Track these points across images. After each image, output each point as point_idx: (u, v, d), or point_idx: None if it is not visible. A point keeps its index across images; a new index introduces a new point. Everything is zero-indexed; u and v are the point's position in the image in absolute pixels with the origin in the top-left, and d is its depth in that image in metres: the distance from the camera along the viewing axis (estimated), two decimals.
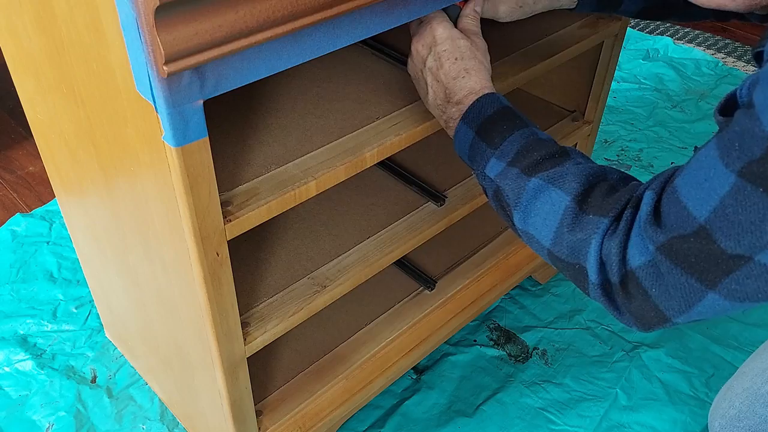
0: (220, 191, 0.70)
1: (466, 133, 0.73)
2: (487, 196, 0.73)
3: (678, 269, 0.55)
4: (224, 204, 0.70)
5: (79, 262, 1.39)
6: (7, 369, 1.22)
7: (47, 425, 1.14)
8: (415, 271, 1.16)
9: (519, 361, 1.24)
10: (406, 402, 1.17)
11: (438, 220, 0.98)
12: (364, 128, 0.82)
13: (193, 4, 0.52)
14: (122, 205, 0.81)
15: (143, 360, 1.16)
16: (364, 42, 0.96)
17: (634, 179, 0.66)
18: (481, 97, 0.72)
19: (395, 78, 0.91)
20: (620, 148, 1.76)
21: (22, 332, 1.29)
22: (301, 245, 0.93)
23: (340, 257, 0.91)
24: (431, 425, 1.14)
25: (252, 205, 0.71)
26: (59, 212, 1.54)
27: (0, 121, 1.85)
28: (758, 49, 0.56)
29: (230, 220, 0.69)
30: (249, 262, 0.90)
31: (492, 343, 1.27)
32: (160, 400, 1.17)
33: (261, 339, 0.82)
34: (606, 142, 1.78)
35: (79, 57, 0.68)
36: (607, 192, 0.63)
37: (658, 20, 0.89)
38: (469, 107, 0.73)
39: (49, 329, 1.30)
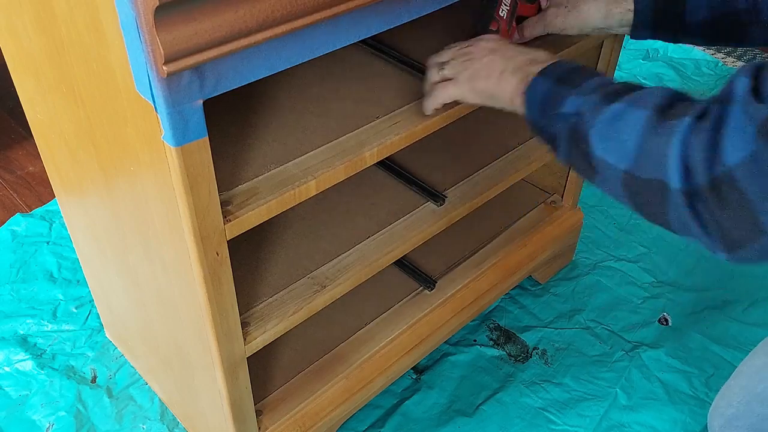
0: (220, 191, 0.70)
1: (543, 83, 0.72)
2: (556, 145, 0.70)
3: None
4: (224, 204, 0.70)
5: (79, 262, 1.39)
6: (7, 369, 1.22)
7: (47, 425, 1.14)
8: (415, 271, 1.16)
9: (519, 360, 1.24)
10: (406, 402, 1.17)
11: (438, 220, 0.98)
12: (364, 128, 0.82)
13: (193, 3, 0.52)
14: (122, 205, 0.81)
15: (143, 360, 1.16)
16: (364, 42, 0.96)
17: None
18: (560, 60, 0.74)
19: (395, 78, 0.91)
20: None
21: (22, 332, 1.29)
22: (301, 245, 0.93)
23: (340, 257, 0.91)
24: (431, 425, 1.14)
25: (252, 204, 0.71)
26: (59, 212, 1.54)
27: (0, 121, 1.85)
28: None
29: (230, 220, 0.69)
30: (249, 262, 0.90)
31: (492, 342, 1.27)
32: (160, 400, 1.17)
33: (261, 339, 0.82)
34: None
35: (79, 57, 0.68)
36: (690, 104, 0.59)
37: (728, 44, 0.89)
38: (550, 65, 0.73)
39: (49, 329, 1.30)
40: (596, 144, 0.64)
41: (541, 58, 0.76)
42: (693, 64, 2.07)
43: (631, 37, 0.91)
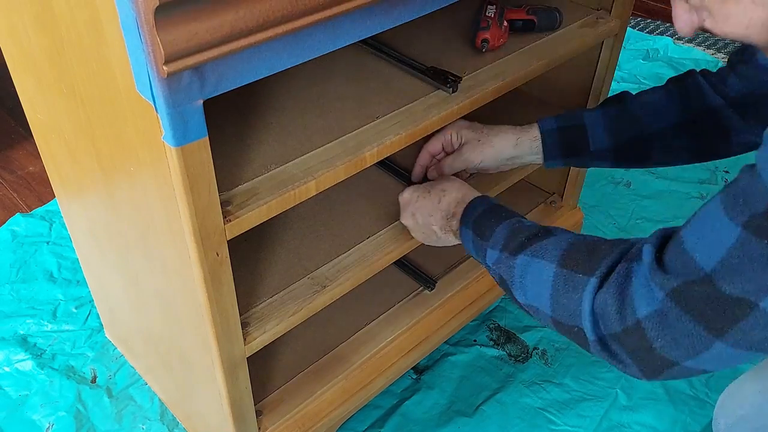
0: (220, 191, 0.70)
1: (467, 234, 0.82)
2: (499, 285, 0.79)
3: (687, 316, 0.56)
4: (224, 204, 0.70)
5: (79, 262, 1.39)
6: (7, 369, 1.22)
7: (47, 425, 1.14)
8: (415, 271, 1.16)
9: (519, 361, 1.24)
10: (406, 402, 1.17)
11: None
12: (364, 127, 0.82)
13: (193, 3, 0.52)
14: (122, 205, 0.81)
15: (143, 360, 1.16)
16: (364, 42, 0.96)
17: (616, 239, 0.68)
18: (470, 202, 0.84)
19: (395, 78, 0.91)
20: None
21: (22, 332, 1.29)
22: (301, 245, 0.93)
23: (339, 257, 0.91)
24: (431, 425, 1.14)
25: (252, 204, 0.71)
26: (59, 212, 1.54)
27: (0, 121, 1.85)
28: None
29: (230, 220, 0.69)
30: (249, 262, 0.90)
31: (492, 343, 1.27)
32: (160, 400, 1.17)
33: (261, 339, 0.82)
34: None
35: (79, 57, 0.68)
36: (588, 250, 0.67)
37: (638, 165, 1.00)
38: (462, 213, 0.84)
39: (49, 329, 1.30)
40: (519, 296, 0.73)
41: (451, 203, 0.86)
42: (693, 64, 2.06)
43: (544, 166, 0.99)
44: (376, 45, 0.95)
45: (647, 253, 0.60)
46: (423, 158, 0.99)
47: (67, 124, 0.82)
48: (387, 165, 1.06)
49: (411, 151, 0.97)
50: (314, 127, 0.82)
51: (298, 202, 0.74)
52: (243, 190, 0.72)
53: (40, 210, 1.56)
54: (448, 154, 0.98)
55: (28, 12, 0.74)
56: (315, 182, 0.74)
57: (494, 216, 0.80)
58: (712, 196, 0.58)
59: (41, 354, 1.25)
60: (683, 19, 0.59)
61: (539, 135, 0.96)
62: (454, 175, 0.96)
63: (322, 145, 0.79)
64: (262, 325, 0.83)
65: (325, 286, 0.87)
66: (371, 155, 0.79)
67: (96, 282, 1.15)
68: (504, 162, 0.97)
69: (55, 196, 1.44)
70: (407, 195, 0.92)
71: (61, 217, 1.52)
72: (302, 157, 0.77)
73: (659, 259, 0.59)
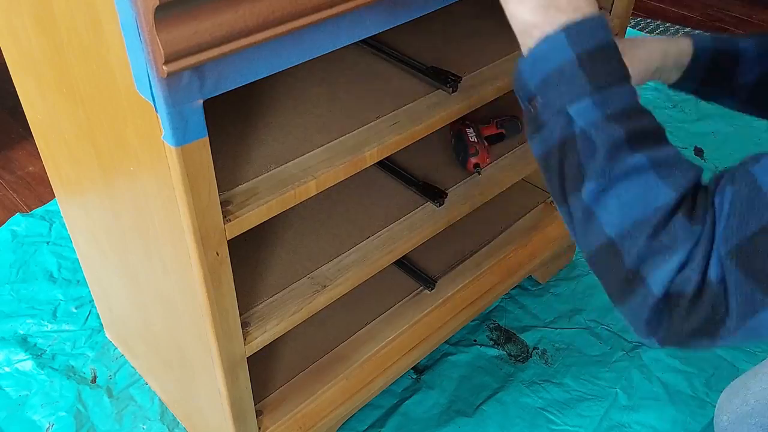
0: (220, 191, 0.70)
1: (562, 51, 0.55)
2: (538, 135, 0.57)
3: (748, 279, 0.49)
4: (224, 203, 0.70)
5: (79, 262, 1.39)
6: (7, 369, 1.22)
7: (47, 425, 1.14)
8: (415, 271, 1.16)
9: (519, 360, 1.24)
10: (406, 402, 1.17)
11: (438, 220, 0.98)
12: (364, 127, 0.82)
13: (193, 3, 0.52)
14: (122, 205, 0.81)
15: (143, 360, 1.16)
16: (364, 42, 0.96)
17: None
18: (597, 16, 0.56)
19: (395, 78, 0.91)
20: None
21: (22, 332, 1.29)
22: (301, 245, 0.93)
23: (339, 257, 0.91)
24: (431, 425, 1.14)
25: (252, 204, 0.71)
26: (59, 212, 1.54)
27: (0, 121, 1.85)
28: None
29: (230, 220, 0.69)
30: (249, 262, 0.90)
31: (492, 342, 1.27)
32: (160, 400, 1.17)
33: (261, 339, 0.82)
34: None
35: (79, 57, 0.68)
36: (704, 204, 0.53)
37: None
38: (579, 20, 0.55)
39: (49, 329, 1.30)
40: (593, 189, 0.54)
41: (581, 5, 0.57)
42: None
43: (673, 88, 0.84)
44: (376, 45, 0.95)
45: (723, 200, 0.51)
46: None
47: (67, 124, 0.82)
48: (387, 165, 1.06)
49: (411, 151, 0.97)
50: (314, 127, 0.82)
51: (298, 202, 0.74)
52: (243, 190, 0.72)
53: (40, 210, 1.56)
54: None
55: (28, 12, 0.74)
56: (315, 182, 0.74)
57: (618, 64, 0.56)
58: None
59: (41, 354, 1.25)
60: None
61: (691, 51, 0.81)
62: None
63: (322, 145, 0.79)
64: (262, 324, 0.83)
65: (325, 286, 0.87)
66: (371, 155, 0.79)
67: (96, 282, 1.15)
68: (648, 75, 0.80)
69: (55, 196, 1.44)
70: None
71: (61, 217, 1.52)
72: (302, 157, 0.77)
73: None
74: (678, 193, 0.52)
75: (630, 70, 0.60)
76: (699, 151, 1.27)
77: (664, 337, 0.54)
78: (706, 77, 0.83)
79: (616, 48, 0.56)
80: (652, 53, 0.79)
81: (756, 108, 0.86)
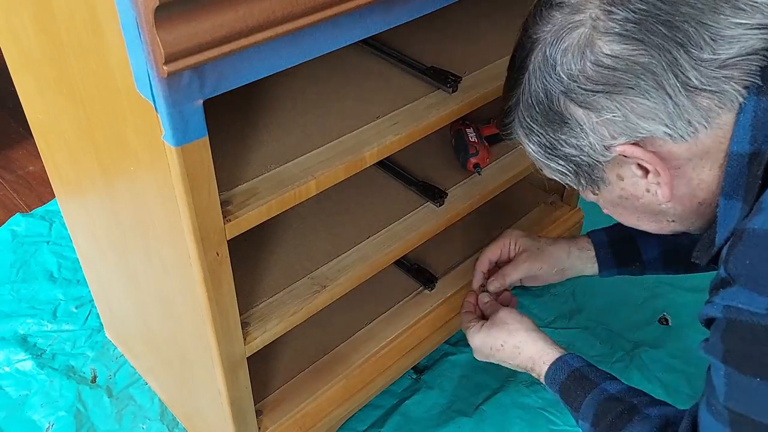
0: (220, 191, 0.70)
1: (554, 392, 0.84)
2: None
3: None
4: (224, 204, 0.70)
5: (79, 262, 1.39)
6: (7, 369, 1.22)
7: (47, 425, 1.14)
8: (415, 271, 1.16)
9: None
10: (406, 402, 1.17)
11: (438, 220, 0.98)
12: (364, 127, 0.82)
13: (193, 3, 0.52)
14: (122, 205, 0.81)
15: (143, 360, 1.16)
16: (364, 42, 0.96)
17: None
18: (550, 366, 0.85)
19: (395, 78, 0.91)
20: None
21: (22, 332, 1.29)
22: (301, 245, 0.93)
23: (339, 257, 0.91)
24: (431, 425, 1.14)
25: (252, 204, 0.71)
26: (59, 212, 1.54)
27: (0, 121, 1.85)
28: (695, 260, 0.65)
29: (230, 220, 0.69)
30: (249, 262, 0.90)
31: None
32: (160, 399, 1.17)
33: (261, 339, 0.82)
34: None
35: (78, 57, 0.68)
36: None
37: (685, 272, 0.95)
38: (545, 374, 0.85)
39: (49, 329, 1.30)
40: None
41: (528, 360, 0.88)
42: None
43: (600, 275, 0.99)
44: (376, 45, 0.95)
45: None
46: (482, 264, 1.02)
47: (67, 124, 0.82)
48: (387, 165, 1.06)
49: (411, 151, 0.97)
50: (314, 126, 0.82)
51: (298, 202, 0.74)
52: (243, 190, 0.72)
53: (40, 210, 1.56)
54: (502, 263, 1.02)
55: (28, 12, 0.74)
56: (315, 182, 0.74)
57: (579, 387, 0.81)
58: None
59: (41, 354, 1.25)
60: None
61: (592, 247, 0.97)
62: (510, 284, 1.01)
63: (322, 145, 0.79)
64: (262, 324, 0.83)
65: (325, 286, 0.87)
66: (371, 155, 0.79)
67: (96, 282, 1.15)
68: (560, 271, 0.99)
69: (55, 196, 1.44)
70: (478, 342, 0.92)
71: (61, 217, 1.52)
72: (302, 157, 0.77)
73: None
74: None
75: (541, 269, 0.98)
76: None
77: None
78: (619, 261, 0.96)
79: (572, 376, 0.83)
80: (560, 250, 0.98)
81: (686, 267, 0.94)
